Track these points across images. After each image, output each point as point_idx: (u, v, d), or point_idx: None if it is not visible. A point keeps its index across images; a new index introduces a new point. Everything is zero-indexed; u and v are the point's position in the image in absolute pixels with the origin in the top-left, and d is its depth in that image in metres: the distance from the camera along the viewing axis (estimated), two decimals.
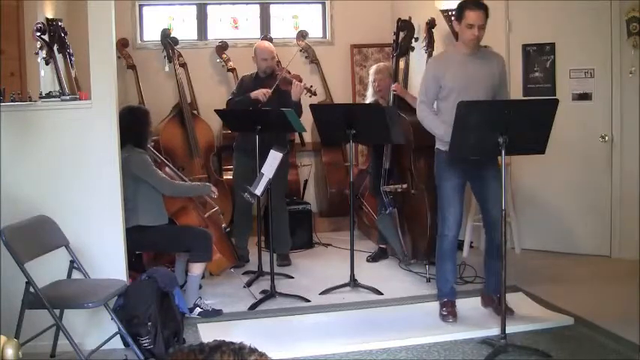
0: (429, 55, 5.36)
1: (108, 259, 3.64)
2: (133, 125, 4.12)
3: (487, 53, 3.99)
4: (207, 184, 4.46)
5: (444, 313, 3.96)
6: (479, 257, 4.46)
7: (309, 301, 4.40)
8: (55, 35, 4.24)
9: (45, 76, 4.61)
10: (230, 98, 5.41)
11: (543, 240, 5.50)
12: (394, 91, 5.01)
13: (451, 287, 4.04)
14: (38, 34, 4.21)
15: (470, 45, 3.84)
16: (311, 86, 5.05)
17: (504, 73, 4.02)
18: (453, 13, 5.48)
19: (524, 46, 5.43)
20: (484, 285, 4.19)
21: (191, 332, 3.86)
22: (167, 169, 4.48)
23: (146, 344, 3.41)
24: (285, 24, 6.94)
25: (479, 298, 4.16)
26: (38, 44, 4.27)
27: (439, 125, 3.87)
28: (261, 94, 4.99)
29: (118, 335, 3.42)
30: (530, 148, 3.56)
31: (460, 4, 3.87)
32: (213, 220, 4.66)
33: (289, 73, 5.22)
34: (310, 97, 5.08)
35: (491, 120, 3.38)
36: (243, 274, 5.00)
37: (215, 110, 5.10)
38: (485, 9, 3.79)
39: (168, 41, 6.11)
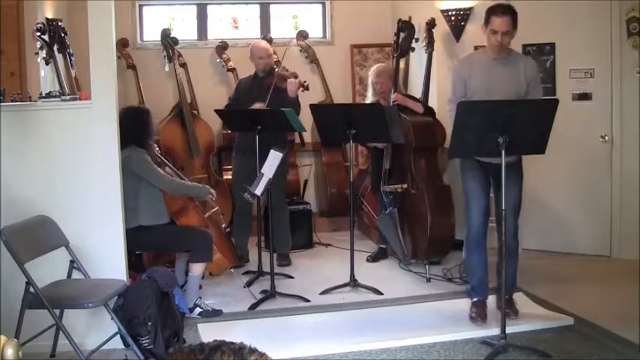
0: (429, 55, 5.36)
1: (108, 259, 3.64)
2: (135, 125, 4.13)
3: (515, 57, 3.94)
4: (207, 186, 4.45)
5: (473, 315, 3.92)
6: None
7: (309, 301, 4.40)
8: (55, 35, 4.24)
9: (45, 76, 4.61)
10: (228, 104, 5.39)
11: (543, 240, 5.51)
12: (395, 100, 4.97)
13: (479, 282, 3.97)
14: (38, 34, 4.20)
15: (494, 50, 3.83)
16: (304, 81, 5.04)
17: (535, 76, 3.92)
18: (454, 13, 5.55)
19: (524, 46, 5.42)
20: (496, 287, 4.09)
21: (191, 332, 3.86)
22: (167, 169, 4.48)
23: (146, 344, 3.41)
24: (285, 24, 6.94)
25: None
26: (38, 44, 4.27)
27: None
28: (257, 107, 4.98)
29: (118, 335, 3.42)
30: (530, 149, 3.56)
31: (488, 9, 3.86)
32: (213, 220, 4.66)
33: (287, 70, 5.21)
34: (303, 91, 5.06)
35: (491, 120, 3.38)
36: (243, 274, 5.00)
37: (215, 110, 5.10)
38: (512, 15, 3.76)
39: (168, 41, 6.11)
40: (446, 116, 4.26)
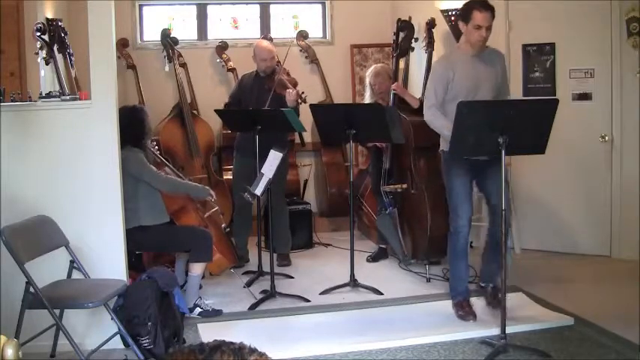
0: (429, 55, 5.36)
1: (108, 259, 3.64)
2: (131, 125, 4.11)
3: (490, 52, 3.98)
4: (207, 187, 4.45)
5: (462, 313, 3.94)
6: (479, 257, 4.46)
7: (309, 301, 4.40)
8: (55, 35, 4.23)
9: (45, 76, 4.61)
10: (228, 102, 5.38)
11: (543, 240, 5.50)
12: (394, 90, 5.01)
13: (465, 287, 4.04)
14: (38, 34, 4.20)
15: (476, 46, 3.84)
16: (302, 92, 5.03)
17: (505, 68, 4.03)
18: (454, 13, 5.54)
19: (524, 46, 5.43)
20: (480, 276, 4.20)
21: (191, 332, 3.86)
22: (167, 169, 4.48)
23: (146, 344, 3.41)
24: (285, 24, 6.94)
25: (479, 299, 4.15)
26: (38, 44, 4.26)
27: (450, 127, 3.66)
28: None
29: (118, 335, 3.42)
30: (530, 149, 3.56)
31: (467, 4, 3.84)
32: (213, 220, 4.66)
33: (287, 75, 5.20)
34: (300, 103, 5.05)
35: (491, 120, 3.38)
36: (243, 274, 5.00)
37: (215, 110, 5.10)
38: (492, 9, 3.78)
39: (168, 41, 6.11)
40: None
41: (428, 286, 4.68)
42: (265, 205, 5.13)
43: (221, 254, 4.44)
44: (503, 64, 4.00)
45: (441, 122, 3.89)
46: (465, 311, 3.95)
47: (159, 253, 4.64)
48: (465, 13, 3.82)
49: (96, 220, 3.63)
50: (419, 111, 5.00)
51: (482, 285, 4.13)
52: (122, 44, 6.16)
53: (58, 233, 3.46)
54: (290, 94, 4.91)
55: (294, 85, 5.09)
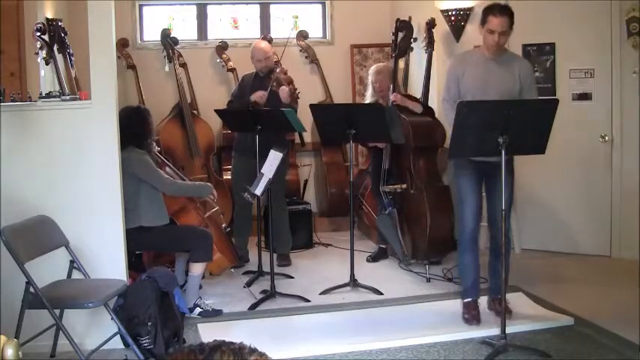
0: (429, 55, 5.37)
1: (108, 259, 3.64)
2: (134, 125, 4.12)
3: (510, 57, 3.94)
4: (209, 184, 4.47)
5: (467, 317, 3.91)
6: (480, 257, 4.46)
7: (309, 301, 4.40)
8: (55, 35, 4.24)
9: (45, 76, 4.60)
10: (230, 100, 5.41)
11: (543, 240, 5.51)
12: (394, 101, 4.97)
13: (472, 283, 3.96)
14: (38, 34, 4.20)
15: (491, 50, 3.83)
16: (296, 90, 5.03)
17: (529, 77, 3.89)
18: (454, 13, 5.55)
19: (524, 46, 5.42)
20: (488, 287, 4.15)
21: (191, 332, 3.86)
22: (167, 168, 4.48)
23: (146, 344, 3.41)
24: (285, 24, 6.94)
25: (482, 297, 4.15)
26: (38, 44, 4.26)
27: None
28: (258, 96, 5.01)
29: (118, 335, 3.42)
30: (530, 149, 3.56)
31: (485, 8, 3.85)
32: (214, 220, 4.66)
33: (285, 74, 5.21)
34: (294, 100, 5.06)
35: (491, 120, 3.38)
36: (243, 274, 5.00)
37: (215, 110, 5.11)
38: (509, 15, 3.75)
39: (168, 41, 6.11)
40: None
41: (428, 286, 4.68)
42: (265, 205, 5.13)
43: (221, 254, 4.45)
44: (526, 72, 3.88)
45: (451, 118, 3.87)
46: (470, 315, 3.90)
47: (159, 253, 4.64)
48: (482, 17, 3.83)
49: (96, 220, 3.63)
50: None
51: (493, 297, 4.05)
52: (122, 44, 6.16)
53: (58, 233, 3.46)
54: (283, 92, 4.94)
55: (289, 82, 5.10)
